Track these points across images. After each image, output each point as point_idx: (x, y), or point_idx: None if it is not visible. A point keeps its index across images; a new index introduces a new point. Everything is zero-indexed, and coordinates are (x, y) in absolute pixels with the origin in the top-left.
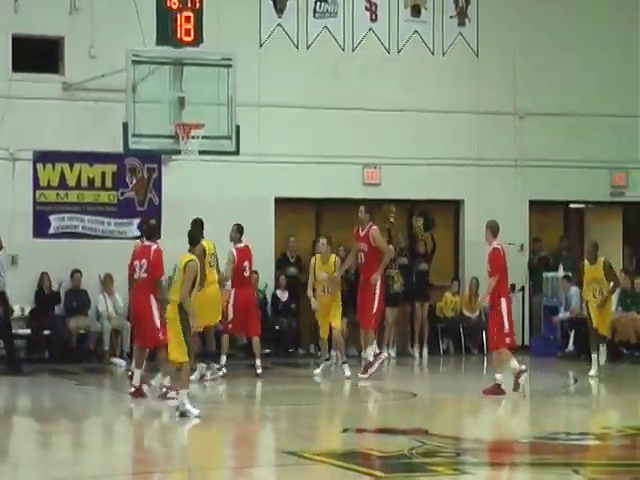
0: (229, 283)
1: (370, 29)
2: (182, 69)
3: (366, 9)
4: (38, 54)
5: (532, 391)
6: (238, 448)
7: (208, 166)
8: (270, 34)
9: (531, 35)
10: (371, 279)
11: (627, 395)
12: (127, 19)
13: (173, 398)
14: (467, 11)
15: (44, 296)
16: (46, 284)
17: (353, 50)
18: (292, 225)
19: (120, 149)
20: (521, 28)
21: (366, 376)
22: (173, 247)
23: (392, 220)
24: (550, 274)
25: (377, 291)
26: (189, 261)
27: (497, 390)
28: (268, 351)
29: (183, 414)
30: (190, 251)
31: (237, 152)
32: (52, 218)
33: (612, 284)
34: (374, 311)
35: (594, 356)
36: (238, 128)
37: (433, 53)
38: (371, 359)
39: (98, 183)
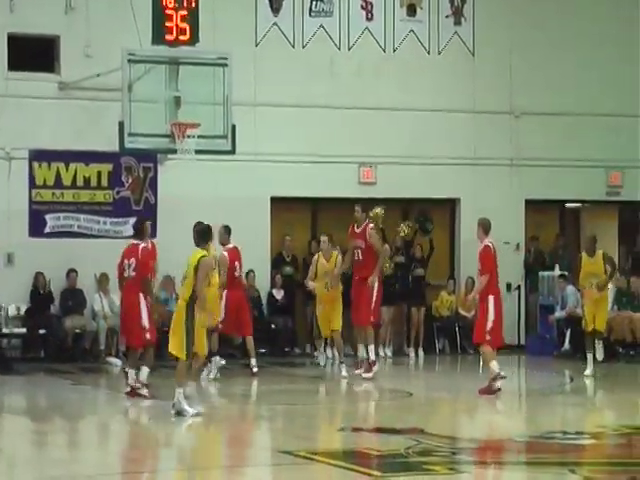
0: None
1: (366, 28)
2: (178, 68)
3: (362, 8)
4: (34, 53)
5: (528, 390)
6: (234, 447)
7: (204, 165)
8: (266, 33)
9: (527, 34)
10: (368, 281)
11: (623, 394)
12: (123, 18)
13: (144, 396)
14: (463, 10)
15: (40, 295)
16: (41, 283)
17: (349, 49)
18: (288, 224)
19: (116, 148)
20: (517, 27)
21: (370, 375)
22: (169, 246)
23: (380, 225)
24: (546, 273)
25: (375, 289)
26: (202, 257)
27: (493, 389)
28: (264, 350)
29: (179, 413)
30: (202, 247)
31: (233, 151)
32: (48, 217)
33: (610, 270)
34: (372, 307)
35: (589, 355)
36: (234, 127)
37: (429, 52)
38: (373, 357)
39: (94, 182)
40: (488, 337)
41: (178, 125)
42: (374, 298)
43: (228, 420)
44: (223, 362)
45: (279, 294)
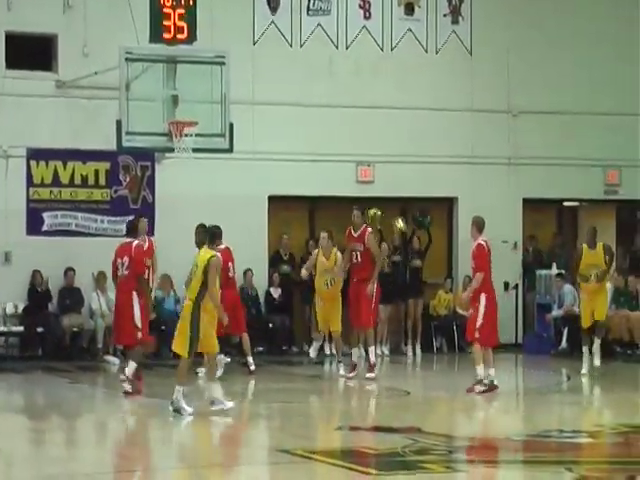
0: None
1: (364, 27)
2: (175, 67)
3: (360, 7)
4: (31, 51)
5: (525, 389)
6: (231, 446)
7: (202, 164)
8: (264, 32)
9: (525, 33)
10: (367, 290)
11: (620, 393)
12: (120, 17)
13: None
14: (460, 9)
15: (37, 294)
16: (38, 281)
17: (347, 48)
18: (285, 223)
19: (113, 147)
20: (515, 26)
21: (373, 375)
22: (167, 244)
23: (379, 227)
24: (543, 272)
25: (374, 292)
26: (211, 257)
27: (490, 387)
28: (261, 349)
29: (177, 411)
30: (210, 247)
31: (231, 150)
32: (45, 215)
33: (609, 260)
34: (372, 308)
35: (585, 354)
36: (232, 126)
37: (427, 51)
38: (373, 359)
39: (91, 181)
40: (477, 335)
41: (176, 124)
42: (374, 300)
43: (226, 418)
44: (228, 360)
45: (276, 293)
